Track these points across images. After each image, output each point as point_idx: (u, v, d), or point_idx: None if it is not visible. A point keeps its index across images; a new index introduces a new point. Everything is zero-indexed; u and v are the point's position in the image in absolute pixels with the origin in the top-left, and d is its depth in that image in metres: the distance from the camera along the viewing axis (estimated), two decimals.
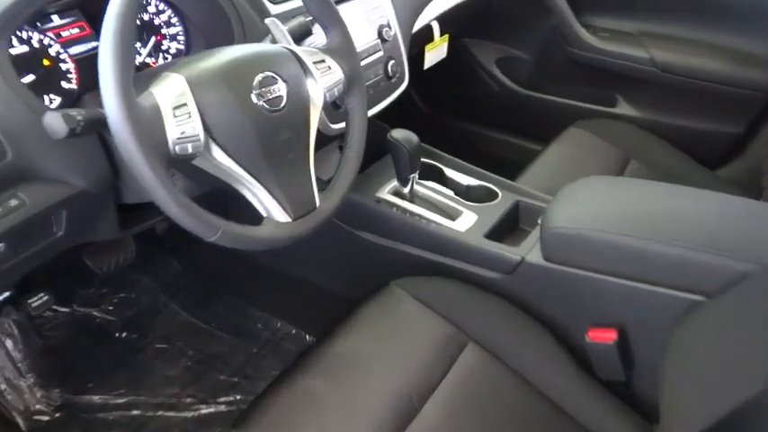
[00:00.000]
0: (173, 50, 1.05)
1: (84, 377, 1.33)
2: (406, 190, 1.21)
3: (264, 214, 0.82)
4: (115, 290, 1.47)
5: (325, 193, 0.89)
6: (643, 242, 0.96)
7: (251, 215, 0.82)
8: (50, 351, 1.37)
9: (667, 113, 1.69)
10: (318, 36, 1.06)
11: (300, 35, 1.02)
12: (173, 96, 0.73)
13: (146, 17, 1.02)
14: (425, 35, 1.53)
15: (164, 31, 1.04)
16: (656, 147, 1.61)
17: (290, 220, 0.82)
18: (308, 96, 0.86)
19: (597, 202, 1.06)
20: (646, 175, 1.48)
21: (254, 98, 0.78)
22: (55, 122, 0.70)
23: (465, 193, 1.27)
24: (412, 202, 1.21)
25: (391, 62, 1.25)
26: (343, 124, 1.12)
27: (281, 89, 0.81)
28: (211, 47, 0.99)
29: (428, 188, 1.26)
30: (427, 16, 1.50)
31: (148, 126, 0.70)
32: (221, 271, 1.53)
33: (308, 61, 0.87)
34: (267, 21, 0.94)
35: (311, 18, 1.03)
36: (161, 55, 1.04)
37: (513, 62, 1.88)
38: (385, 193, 1.23)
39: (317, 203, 0.86)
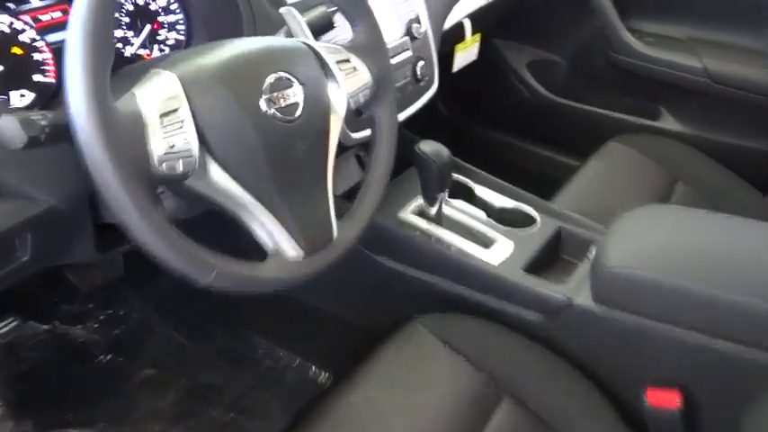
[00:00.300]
0: (171, 41, 0.90)
1: (62, 407, 1.18)
2: (433, 210, 1.05)
3: (270, 247, 0.67)
4: (101, 306, 1.32)
5: (344, 221, 0.74)
6: (716, 290, 0.82)
7: (249, 247, 0.67)
8: (25, 375, 1.22)
9: (717, 130, 1.53)
10: (341, 30, 0.92)
11: (320, 28, 0.87)
12: (161, 100, 0.58)
13: (140, 1, 0.87)
14: (456, 34, 1.38)
15: (161, 18, 0.89)
16: (704, 167, 1.45)
17: (301, 254, 0.67)
18: (328, 103, 0.71)
19: (660, 237, 0.91)
20: (695, 199, 1.33)
21: (263, 105, 0.64)
22: (10, 129, 0.55)
23: (497, 214, 1.12)
24: (439, 224, 1.06)
25: (420, 63, 1.10)
26: (365, 132, 0.97)
27: (296, 94, 0.66)
28: (215, 39, 0.85)
29: (456, 209, 1.10)
30: (459, 13, 1.34)
31: (126, 137, 0.55)
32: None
33: (330, 60, 0.72)
34: (282, 10, 0.79)
35: (334, 9, 0.88)
36: (157, 46, 0.89)
37: (546, 66, 1.73)
38: (408, 213, 1.08)
39: (335, 234, 0.71)
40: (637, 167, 1.38)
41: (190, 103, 0.59)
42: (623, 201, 1.28)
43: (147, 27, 0.88)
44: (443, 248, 1.02)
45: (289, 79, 0.66)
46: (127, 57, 0.86)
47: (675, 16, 1.54)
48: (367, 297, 1.15)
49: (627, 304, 0.87)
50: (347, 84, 0.73)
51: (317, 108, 0.69)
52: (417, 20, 1.11)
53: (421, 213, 1.08)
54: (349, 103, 0.73)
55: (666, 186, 1.34)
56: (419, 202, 1.09)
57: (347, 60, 0.74)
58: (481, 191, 1.16)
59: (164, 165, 0.57)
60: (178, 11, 0.90)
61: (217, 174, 0.61)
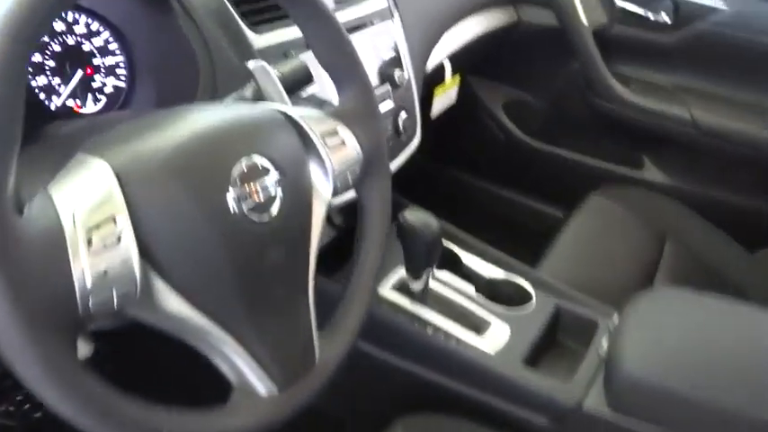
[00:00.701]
0: (108, 89, 0.73)
1: None
2: (418, 287, 0.91)
3: (235, 382, 0.51)
4: (18, 383, 1.11)
5: (327, 336, 0.59)
6: (750, 406, 0.71)
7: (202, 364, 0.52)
8: None
9: (703, 183, 1.46)
10: (320, 82, 0.77)
11: (295, 83, 0.71)
12: (90, 206, 0.42)
13: (71, 41, 0.70)
14: (434, 76, 1.25)
15: (97, 61, 0.72)
16: (691, 223, 1.37)
17: (275, 390, 0.52)
18: (310, 190, 0.56)
19: (681, 337, 0.79)
20: (685, 259, 1.25)
21: (231, 203, 0.48)
22: None
23: (487, 288, 0.99)
24: (424, 303, 0.92)
25: (403, 115, 0.97)
26: (342, 198, 0.82)
27: (271, 184, 0.51)
28: (164, 89, 0.69)
29: (442, 282, 0.97)
30: (439, 54, 1.22)
31: (35, 266, 0.38)
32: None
33: (314, 132, 0.57)
34: (251, 65, 0.63)
35: (307, 59, 0.73)
36: (90, 96, 0.72)
37: (523, 107, 1.62)
38: (388, 289, 0.94)
39: (317, 356, 0.56)
40: (624, 226, 1.29)
41: (130, 208, 0.43)
42: (617, 267, 1.18)
43: (79, 72, 0.71)
44: (430, 334, 0.88)
45: (263, 166, 0.51)
46: (53, 110, 0.69)
47: (663, 63, 1.46)
48: (339, 385, 0.99)
49: (650, 416, 0.75)
50: (334, 161, 0.58)
51: (299, 199, 0.54)
52: (399, 64, 0.98)
53: (402, 288, 0.94)
54: (335, 186, 0.59)
55: (656, 247, 1.25)
56: (401, 274, 0.95)
57: (335, 132, 0.59)
58: (468, 258, 1.03)
59: (92, 299, 0.40)
60: (118, 52, 0.74)
61: (167, 298, 0.45)
